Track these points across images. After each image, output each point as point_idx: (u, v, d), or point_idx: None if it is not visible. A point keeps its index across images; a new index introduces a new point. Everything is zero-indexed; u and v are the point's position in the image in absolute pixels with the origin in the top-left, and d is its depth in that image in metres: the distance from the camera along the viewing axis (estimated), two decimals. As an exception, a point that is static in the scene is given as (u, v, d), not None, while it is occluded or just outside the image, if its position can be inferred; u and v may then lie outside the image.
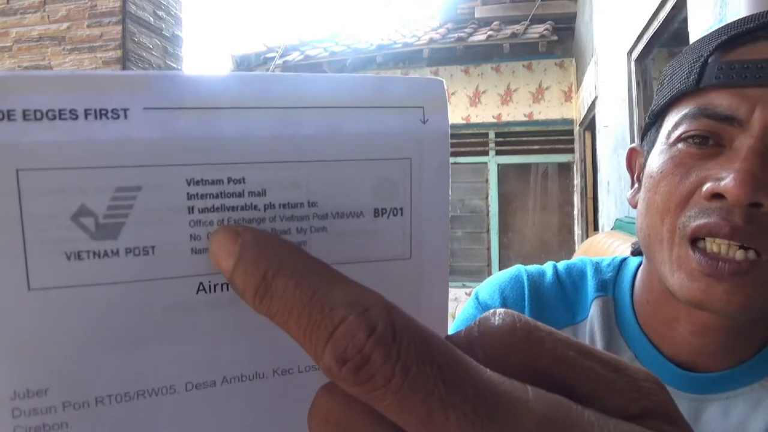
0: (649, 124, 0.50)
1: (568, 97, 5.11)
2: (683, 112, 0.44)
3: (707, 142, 0.42)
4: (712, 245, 0.40)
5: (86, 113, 0.17)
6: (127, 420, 0.19)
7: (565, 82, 5.12)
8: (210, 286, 0.19)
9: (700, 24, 1.50)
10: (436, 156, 0.22)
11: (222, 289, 0.20)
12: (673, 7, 1.96)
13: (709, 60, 0.43)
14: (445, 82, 0.22)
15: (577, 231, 4.96)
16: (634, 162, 0.52)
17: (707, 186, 0.40)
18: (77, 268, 0.18)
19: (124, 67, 3.04)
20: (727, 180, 0.39)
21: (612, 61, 3.15)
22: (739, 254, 0.39)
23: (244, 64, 5.67)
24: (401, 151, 0.21)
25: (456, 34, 5.14)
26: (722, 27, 0.45)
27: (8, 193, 0.17)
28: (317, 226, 0.21)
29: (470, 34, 5.16)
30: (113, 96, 0.17)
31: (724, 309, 0.40)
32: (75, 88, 0.17)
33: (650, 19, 2.25)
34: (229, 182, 0.19)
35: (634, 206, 0.49)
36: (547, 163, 5.27)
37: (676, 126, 0.44)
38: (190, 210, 0.19)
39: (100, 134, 0.17)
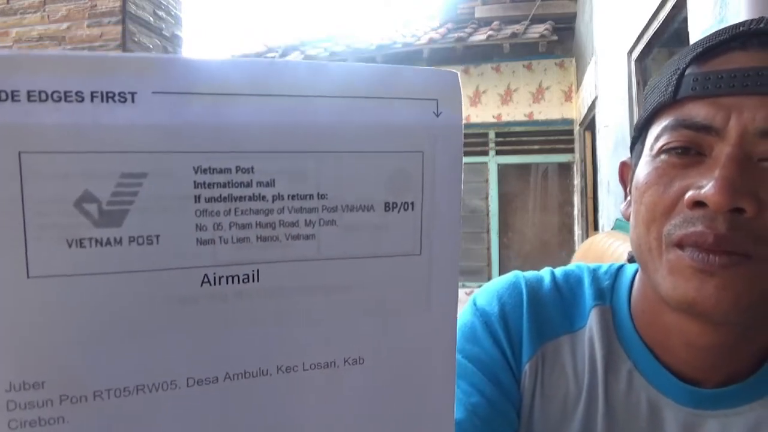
0: (635, 138, 0.51)
1: (568, 97, 5.11)
2: (663, 124, 0.44)
3: (688, 151, 0.43)
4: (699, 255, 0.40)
5: (93, 96, 0.16)
6: (125, 415, 0.19)
7: (565, 82, 5.12)
8: (215, 278, 0.19)
9: (700, 24, 1.49)
10: (449, 150, 0.21)
11: (227, 282, 0.19)
12: (673, 7, 1.95)
13: (686, 72, 0.44)
14: (459, 74, 0.21)
15: (577, 231, 4.95)
16: (626, 175, 0.52)
17: (689, 194, 0.41)
18: (79, 256, 0.17)
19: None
20: (707, 188, 0.39)
21: (612, 61, 3.15)
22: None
23: (244, 62, 5.65)
24: (413, 144, 0.21)
25: (456, 34, 5.13)
26: (699, 40, 0.45)
27: (9, 176, 0.16)
28: (326, 219, 0.20)
29: (470, 34, 5.16)
30: (121, 78, 0.17)
31: (714, 307, 0.40)
32: (82, 70, 0.16)
33: (650, 19, 2.25)
34: (237, 171, 0.18)
35: (627, 218, 0.50)
36: (547, 163, 5.27)
37: (657, 138, 0.45)
38: (197, 199, 0.18)
39: (106, 118, 0.17)
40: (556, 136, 5.15)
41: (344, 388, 0.21)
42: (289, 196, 0.19)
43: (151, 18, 3.19)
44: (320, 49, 5.45)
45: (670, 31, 2.18)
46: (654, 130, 0.46)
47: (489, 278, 5.01)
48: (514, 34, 4.90)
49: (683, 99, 0.43)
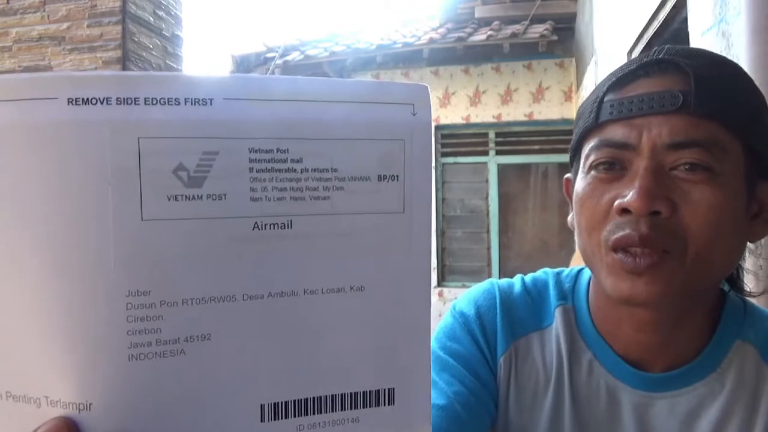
0: (571, 158, 0.59)
1: (568, 97, 5.12)
2: (590, 145, 0.53)
3: (614, 166, 0.51)
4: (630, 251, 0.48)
5: (185, 101, 0.25)
6: (201, 318, 0.27)
7: (565, 82, 5.13)
8: (262, 224, 0.28)
9: (700, 24, 1.47)
10: (423, 139, 0.30)
11: (271, 228, 0.28)
12: (673, 7, 1.94)
13: (604, 100, 0.52)
14: (429, 87, 0.30)
15: (576, 230, 4.96)
16: (570, 190, 0.60)
17: (616, 203, 0.49)
18: (174, 206, 0.26)
19: (123, 67, 3.00)
20: (629, 197, 0.47)
21: (612, 61, 3.16)
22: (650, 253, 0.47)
23: (244, 64, 5.63)
24: (397, 134, 0.30)
25: (456, 34, 5.13)
26: (613, 71, 0.54)
27: (132, 153, 0.25)
28: (337, 186, 0.29)
29: (470, 34, 5.17)
30: (204, 89, 0.26)
31: (646, 299, 0.48)
32: (179, 84, 0.25)
33: (650, 19, 2.23)
34: (277, 151, 0.27)
35: (574, 228, 0.57)
36: (547, 163, 5.28)
37: (587, 157, 0.53)
38: (251, 170, 0.27)
39: (193, 115, 0.26)
40: (556, 136, 5.15)
41: (350, 308, 0.30)
42: (312, 169, 0.28)
43: (151, 18, 3.22)
44: (320, 50, 5.40)
45: (670, 31, 2.14)
46: (585, 150, 0.54)
47: (489, 278, 5.05)
48: (514, 34, 4.91)
49: (604, 122, 0.51)
